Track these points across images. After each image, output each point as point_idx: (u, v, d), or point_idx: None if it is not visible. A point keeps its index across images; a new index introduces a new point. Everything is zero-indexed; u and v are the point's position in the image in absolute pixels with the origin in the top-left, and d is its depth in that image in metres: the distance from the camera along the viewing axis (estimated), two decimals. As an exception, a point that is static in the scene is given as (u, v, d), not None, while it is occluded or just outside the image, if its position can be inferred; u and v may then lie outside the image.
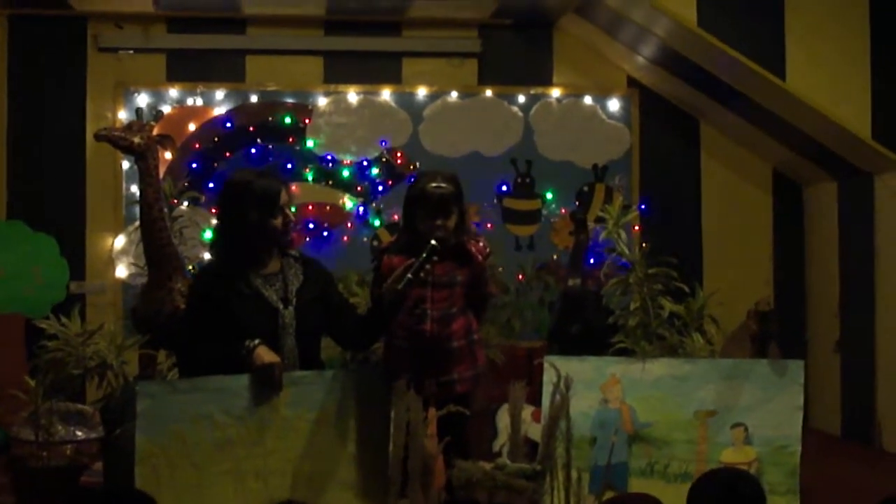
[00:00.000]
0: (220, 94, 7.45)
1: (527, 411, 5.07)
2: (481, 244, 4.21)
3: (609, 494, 4.33)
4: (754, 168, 7.84)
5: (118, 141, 5.18)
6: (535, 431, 4.81)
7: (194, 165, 7.35)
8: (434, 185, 4.07)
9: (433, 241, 3.93)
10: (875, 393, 6.91)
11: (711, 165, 7.82)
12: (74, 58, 7.36)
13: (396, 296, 3.89)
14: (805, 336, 7.65)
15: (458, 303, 4.12)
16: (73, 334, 4.80)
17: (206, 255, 6.34)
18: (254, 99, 7.48)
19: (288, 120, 7.47)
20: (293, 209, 4.05)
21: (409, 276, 3.84)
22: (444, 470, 3.87)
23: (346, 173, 7.52)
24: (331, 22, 7.55)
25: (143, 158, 5.16)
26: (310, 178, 7.48)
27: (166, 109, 7.27)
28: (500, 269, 7.16)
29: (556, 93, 7.70)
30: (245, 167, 6.71)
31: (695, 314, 4.84)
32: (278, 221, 3.89)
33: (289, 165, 7.43)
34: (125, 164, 7.20)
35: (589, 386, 4.46)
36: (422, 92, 7.60)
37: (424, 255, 3.89)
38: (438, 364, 4.08)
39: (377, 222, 7.52)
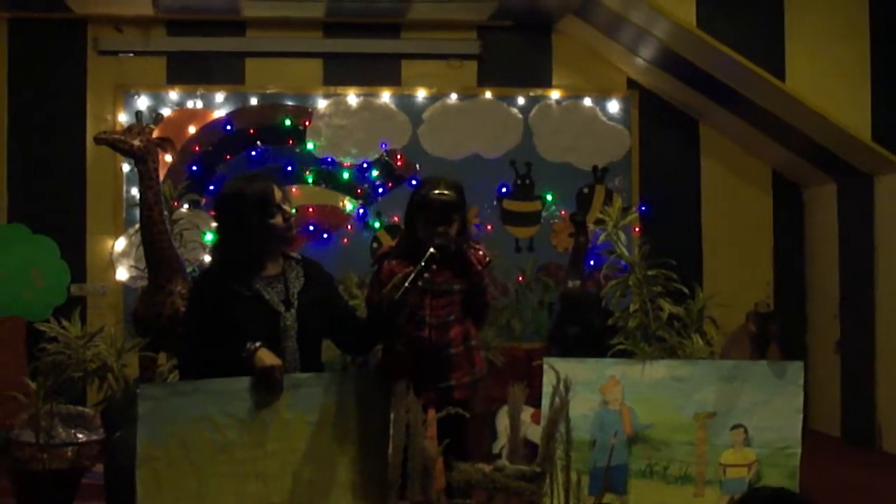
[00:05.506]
0: (219, 97, 7.45)
1: (526, 413, 5.07)
2: (481, 253, 4.20)
3: (609, 496, 4.33)
4: (754, 169, 7.84)
5: (118, 144, 5.19)
6: (534, 433, 4.81)
7: (194, 168, 7.36)
8: (437, 192, 4.06)
9: (432, 249, 3.92)
10: (875, 394, 6.91)
11: (711, 167, 7.83)
12: (74, 61, 7.37)
13: (394, 304, 3.88)
14: (804, 340, 7.65)
15: (456, 310, 4.12)
16: (73, 337, 4.80)
17: (207, 258, 6.34)
18: (253, 101, 7.49)
19: (288, 122, 7.48)
20: (293, 210, 4.02)
21: (407, 284, 3.82)
22: (443, 472, 3.87)
23: (345, 175, 7.53)
24: (330, 24, 7.56)
25: (143, 161, 5.18)
26: (310, 180, 7.49)
27: (166, 112, 7.28)
28: (498, 276, 7.16)
29: (555, 94, 7.70)
30: (237, 174, 6.78)
31: (694, 316, 4.83)
32: (278, 220, 3.88)
33: (289, 168, 7.44)
34: (125, 167, 7.21)
35: (588, 387, 4.45)
36: (421, 94, 7.61)
37: (423, 262, 3.87)
38: (436, 370, 4.08)
39: (377, 224, 7.53)
